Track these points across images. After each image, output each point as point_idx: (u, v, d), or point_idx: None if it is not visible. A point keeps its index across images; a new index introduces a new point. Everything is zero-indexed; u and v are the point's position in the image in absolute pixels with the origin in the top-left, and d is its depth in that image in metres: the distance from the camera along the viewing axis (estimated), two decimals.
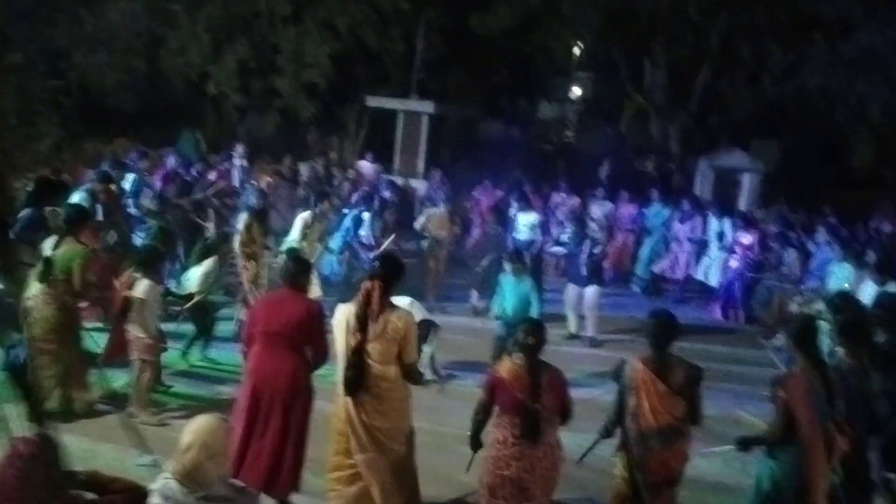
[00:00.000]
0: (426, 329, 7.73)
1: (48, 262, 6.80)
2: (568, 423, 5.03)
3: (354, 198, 11.58)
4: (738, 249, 11.98)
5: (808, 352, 4.98)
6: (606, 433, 5.17)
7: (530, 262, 11.07)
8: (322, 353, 5.49)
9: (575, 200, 13.88)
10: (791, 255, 11.12)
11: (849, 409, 5.01)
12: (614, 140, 29.01)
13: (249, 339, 5.55)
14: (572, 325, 10.50)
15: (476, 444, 5.11)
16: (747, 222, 12.27)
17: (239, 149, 14.05)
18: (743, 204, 16.10)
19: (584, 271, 10.21)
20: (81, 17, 19.27)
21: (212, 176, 12.87)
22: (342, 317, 5.09)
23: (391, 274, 5.10)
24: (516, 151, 24.67)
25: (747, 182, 17.02)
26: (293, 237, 9.92)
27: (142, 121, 20.76)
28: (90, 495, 3.68)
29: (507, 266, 8.58)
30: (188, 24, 19.01)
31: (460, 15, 19.31)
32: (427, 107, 17.55)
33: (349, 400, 5.02)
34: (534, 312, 8.16)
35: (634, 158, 21.53)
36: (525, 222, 11.43)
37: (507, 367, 4.94)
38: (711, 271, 12.73)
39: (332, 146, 21.45)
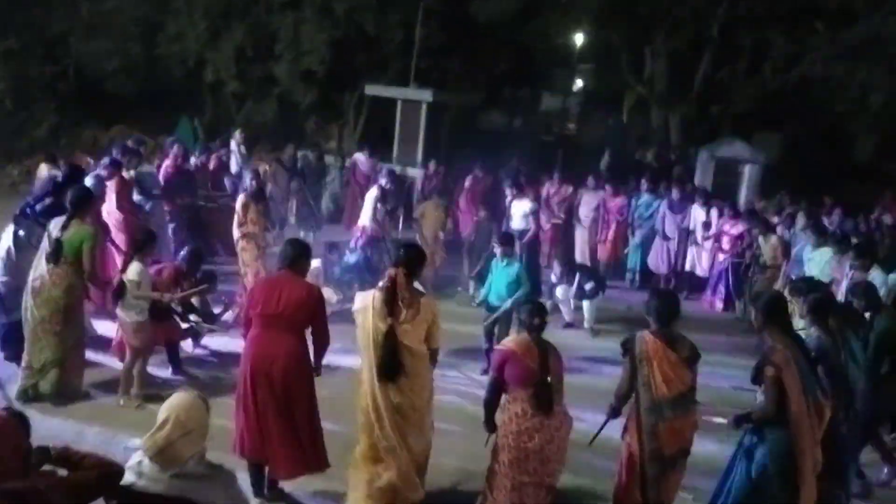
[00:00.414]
0: None
1: (58, 243, 6.78)
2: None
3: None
4: (726, 240, 11.96)
5: (781, 325, 5.05)
6: (615, 413, 5.22)
7: (526, 250, 11.05)
8: (325, 334, 5.49)
9: (567, 189, 13.77)
10: (771, 241, 11.03)
11: (830, 383, 5.18)
12: (616, 131, 28.95)
13: (248, 321, 5.51)
14: (567, 314, 10.42)
15: (492, 425, 5.21)
16: (735, 213, 12.19)
17: (237, 135, 13.94)
18: (744, 195, 15.96)
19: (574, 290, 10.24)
20: (78, 3, 19.22)
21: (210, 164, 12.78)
22: (363, 303, 5.17)
23: (414, 261, 5.29)
24: (517, 142, 24.61)
25: (748, 173, 16.87)
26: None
27: (139, 107, 20.72)
28: (63, 472, 3.60)
29: (497, 249, 8.48)
30: (186, 10, 18.95)
31: (460, 2, 19.20)
32: (426, 95, 17.39)
33: (378, 384, 5.07)
34: (520, 294, 8.09)
35: (636, 149, 21.44)
36: (519, 210, 11.31)
37: (515, 340, 5.14)
38: (700, 261, 12.71)
39: (331, 134, 21.37)
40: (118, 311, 7.04)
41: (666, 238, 12.80)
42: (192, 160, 12.58)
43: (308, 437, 5.39)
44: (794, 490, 4.90)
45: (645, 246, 13.09)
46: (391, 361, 5.02)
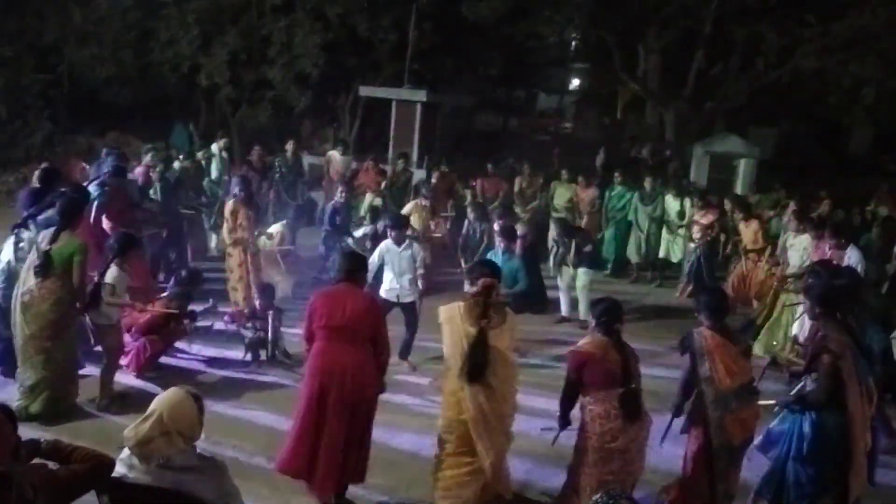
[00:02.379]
0: None
1: (47, 255, 6.52)
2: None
3: (339, 190, 11.42)
4: (696, 229, 12.21)
5: (834, 314, 5.18)
6: (678, 411, 5.29)
7: (527, 246, 11.06)
8: (386, 349, 5.53)
9: (538, 181, 14.19)
10: (752, 226, 11.23)
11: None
12: (611, 128, 29.01)
13: (310, 334, 5.49)
14: (564, 307, 10.43)
15: (564, 423, 5.24)
16: (706, 203, 12.46)
17: (221, 141, 13.77)
18: (739, 190, 15.96)
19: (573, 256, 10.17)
20: (71, 10, 19.21)
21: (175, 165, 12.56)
22: (450, 314, 5.28)
23: (499, 274, 5.59)
24: (513, 142, 24.65)
25: (743, 168, 16.90)
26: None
27: (134, 114, 20.74)
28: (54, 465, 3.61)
29: (498, 243, 8.53)
30: (178, 15, 18.93)
31: (451, 2, 19.21)
32: (420, 95, 17.41)
33: (470, 390, 5.09)
34: (516, 292, 8.14)
35: (631, 146, 21.46)
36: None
37: (593, 342, 5.02)
38: (673, 249, 13.06)
39: (326, 137, 21.38)
40: (90, 313, 6.93)
41: (639, 229, 13.11)
42: (176, 164, 12.40)
43: (357, 451, 5.38)
44: (845, 472, 5.04)
45: (620, 236, 13.34)
46: (481, 361, 5.05)
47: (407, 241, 8.36)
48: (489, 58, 23.06)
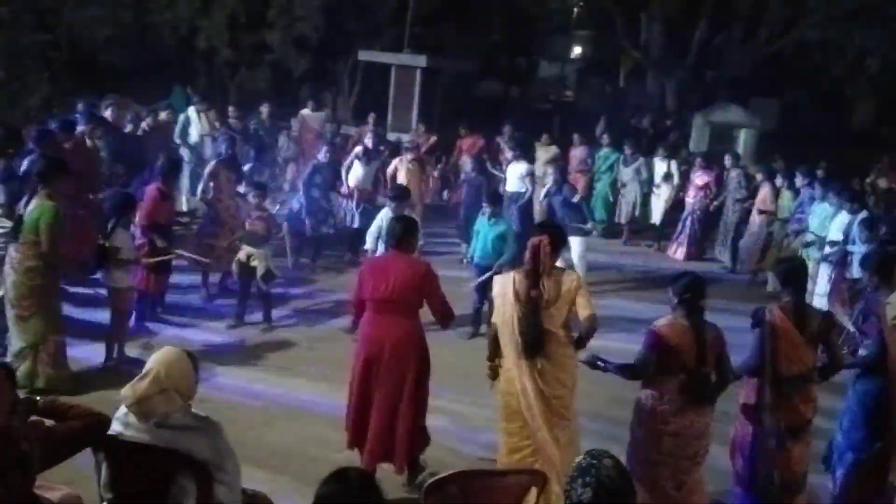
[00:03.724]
0: None
1: (19, 220, 6.26)
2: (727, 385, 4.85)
3: (323, 152, 11.28)
4: (692, 189, 12.39)
5: (890, 281, 5.27)
6: (736, 378, 5.04)
7: (521, 213, 11.03)
8: (444, 308, 5.37)
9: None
10: (766, 190, 11.48)
11: None
12: (612, 97, 28.83)
13: (359, 304, 5.44)
14: None
15: (604, 369, 4.83)
16: (706, 164, 12.67)
17: (200, 104, 13.41)
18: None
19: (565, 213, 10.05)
20: None
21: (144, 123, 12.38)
22: (503, 288, 4.93)
23: (558, 237, 5.05)
24: (514, 109, 24.51)
25: (743, 138, 16.83)
26: None
27: (132, 76, 20.55)
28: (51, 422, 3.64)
29: (485, 208, 8.48)
30: None
31: None
32: (420, 61, 17.26)
33: (526, 371, 4.83)
34: (507, 257, 8.09)
35: (632, 115, 21.35)
36: (515, 172, 11.31)
37: (671, 326, 4.70)
38: (656, 211, 13.33)
39: (324, 101, 21.24)
40: (106, 277, 6.98)
41: (623, 187, 13.44)
42: (143, 124, 12.26)
43: (411, 424, 5.26)
44: (884, 435, 5.14)
45: (606, 198, 13.67)
46: (533, 337, 4.75)
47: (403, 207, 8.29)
48: (491, 24, 22.86)
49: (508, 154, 12.00)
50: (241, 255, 8.22)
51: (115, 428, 3.62)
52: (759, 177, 11.96)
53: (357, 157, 10.97)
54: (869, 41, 16.90)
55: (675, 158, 13.41)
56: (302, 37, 19.07)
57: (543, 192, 10.93)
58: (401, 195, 8.39)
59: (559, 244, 5.01)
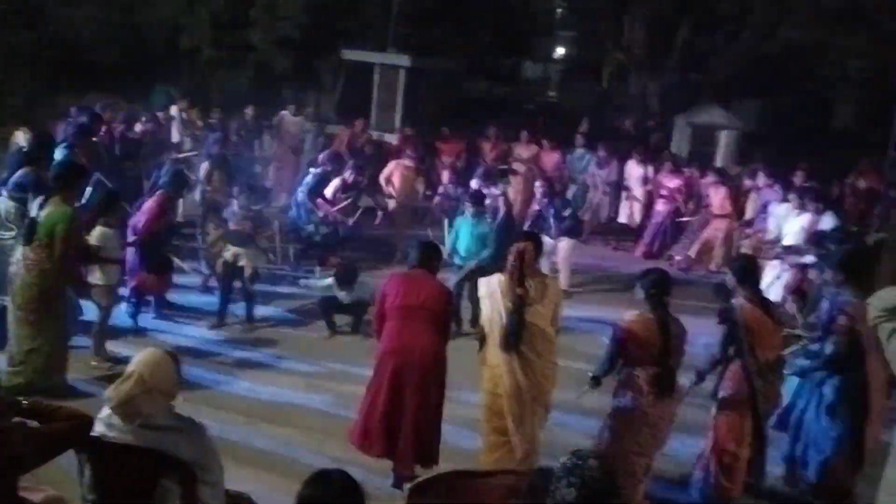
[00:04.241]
0: None
1: (32, 223, 6.26)
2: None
3: (321, 157, 11.24)
4: (664, 192, 12.47)
5: (856, 280, 5.38)
6: (700, 378, 5.37)
7: (505, 215, 11.04)
8: (446, 335, 5.50)
9: (503, 146, 14.14)
10: (721, 192, 11.68)
11: None
12: (596, 98, 28.92)
13: (382, 315, 5.49)
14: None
15: (598, 383, 5.18)
16: (675, 167, 12.74)
17: (182, 102, 13.41)
18: (719, 161, 15.98)
19: (554, 224, 10.12)
20: None
21: (137, 127, 12.23)
22: (489, 288, 5.24)
23: (539, 243, 5.49)
24: (499, 110, 24.53)
25: (724, 139, 16.92)
26: None
27: (117, 75, 20.43)
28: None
29: (467, 208, 8.51)
30: None
31: None
32: (404, 60, 17.27)
33: (517, 367, 5.08)
34: (486, 256, 8.18)
35: (615, 116, 21.43)
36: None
37: (638, 320, 4.96)
38: (634, 214, 13.34)
39: (308, 101, 21.19)
40: (87, 274, 6.96)
41: (595, 189, 13.42)
42: (138, 127, 12.09)
43: (429, 432, 5.38)
44: (861, 424, 5.35)
45: (580, 200, 13.53)
46: (517, 330, 5.05)
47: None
48: (477, 24, 22.87)
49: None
50: (228, 255, 8.19)
51: (99, 429, 3.62)
52: (747, 183, 11.96)
53: (336, 189, 10.87)
54: (852, 44, 17.02)
55: (653, 163, 13.38)
56: (285, 36, 18.99)
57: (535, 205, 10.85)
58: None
59: (540, 250, 5.42)
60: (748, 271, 5.42)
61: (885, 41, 16.07)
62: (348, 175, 10.86)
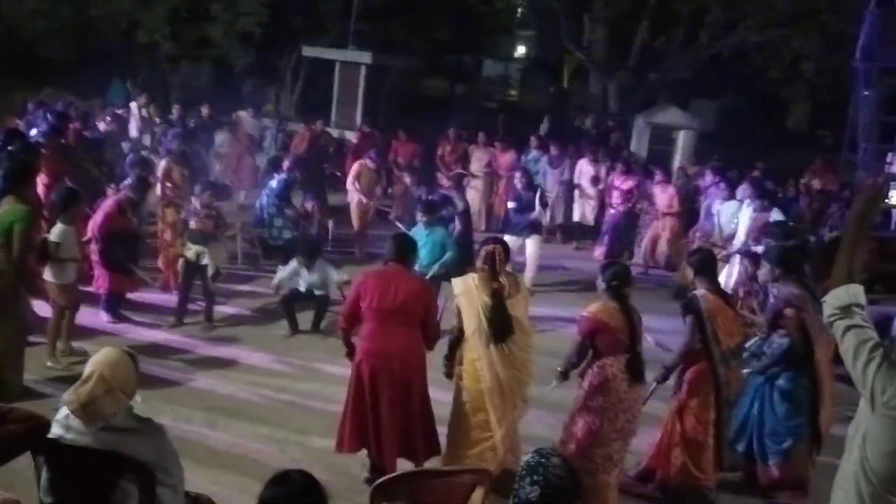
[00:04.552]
0: None
1: None
2: None
3: (287, 163, 11.18)
4: (616, 194, 12.55)
5: (795, 273, 5.58)
6: (666, 375, 5.51)
7: (464, 217, 11.07)
8: (436, 330, 5.46)
9: (461, 147, 14.19)
10: (669, 191, 11.89)
11: None
12: (556, 98, 29.12)
13: (352, 314, 5.39)
14: None
15: (565, 377, 5.28)
16: (627, 168, 12.82)
17: (141, 98, 13.20)
18: (678, 161, 16.19)
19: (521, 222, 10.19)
20: None
21: (101, 125, 12.09)
22: (465, 286, 5.27)
23: (507, 247, 5.45)
24: (459, 108, 24.59)
25: (682, 139, 17.13)
26: None
27: (71, 69, 20.11)
28: None
29: (420, 217, 8.50)
30: None
31: None
32: (365, 57, 17.25)
33: (497, 359, 5.12)
34: (448, 258, 8.24)
35: (575, 115, 21.58)
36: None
37: (604, 310, 5.08)
38: (588, 213, 13.46)
39: (268, 97, 21.06)
40: (45, 272, 6.85)
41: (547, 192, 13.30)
42: (101, 126, 11.91)
43: (422, 427, 5.34)
44: (814, 414, 5.52)
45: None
46: (503, 322, 5.10)
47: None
48: (437, 21, 22.89)
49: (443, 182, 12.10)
50: (190, 253, 8.10)
51: (56, 431, 3.55)
52: (708, 177, 12.10)
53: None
54: (805, 46, 17.37)
55: (605, 163, 13.53)
56: (245, 32, 18.86)
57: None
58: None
59: (509, 254, 5.43)
60: (705, 263, 5.60)
61: (837, 43, 16.40)
62: (309, 204, 10.98)
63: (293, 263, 8.48)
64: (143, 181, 8.39)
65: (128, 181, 8.35)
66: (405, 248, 5.53)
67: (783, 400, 5.62)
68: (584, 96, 24.64)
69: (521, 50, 36.69)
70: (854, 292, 3.13)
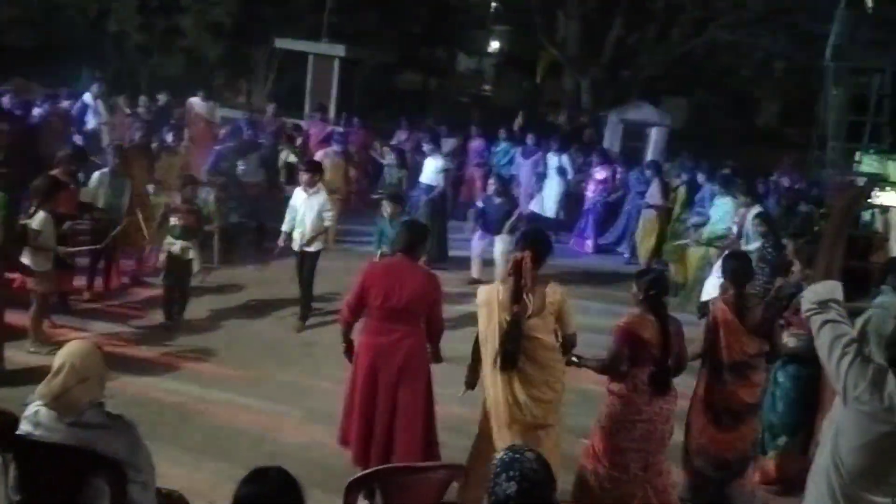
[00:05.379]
0: None
1: None
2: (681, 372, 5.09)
3: (222, 132, 11.04)
4: (591, 184, 12.75)
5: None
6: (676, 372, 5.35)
7: (430, 206, 11.08)
8: (439, 324, 5.33)
9: (417, 136, 14.10)
10: (655, 185, 11.88)
11: None
12: (530, 93, 29.19)
13: (356, 306, 5.25)
14: (474, 270, 10.46)
15: (578, 365, 5.03)
16: (604, 159, 13.02)
17: (94, 87, 12.59)
18: (649, 157, 16.31)
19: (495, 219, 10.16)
20: None
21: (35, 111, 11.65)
22: (487, 297, 4.86)
23: (541, 248, 4.91)
24: (433, 102, 24.59)
25: (654, 136, 17.28)
26: None
27: (39, 59, 19.78)
28: None
29: (384, 208, 8.46)
30: None
31: None
32: (339, 50, 17.16)
33: (499, 384, 4.79)
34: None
35: (549, 111, 21.68)
36: (431, 166, 11.35)
37: (640, 321, 4.87)
38: (548, 204, 13.38)
39: (240, 89, 20.90)
40: (24, 259, 6.79)
41: (519, 184, 13.49)
42: (35, 110, 11.45)
43: (424, 428, 5.22)
44: (813, 413, 5.51)
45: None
46: (514, 351, 4.71)
47: (316, 187, 8.22)
48: (411, 15, 22.84)
49: (425, 147, 12.04)
50: (175, 248, 7.98)
51: (24, 428, 3.50)
52: (684, 177, 12.23)
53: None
54: (775, 45, 17.60)
55: (568, 153, 13.67)
56: (216, 22, 18.67)
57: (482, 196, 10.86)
58: (312, 167, 8.37)
59: (541, 258, 4.90)
60: (734, 272, 5.42)
61: (806, 43, 16.60)
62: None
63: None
64: (74, 152, 8.27)
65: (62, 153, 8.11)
66: (414, 239, 5.30)
67: (781, 396, 5.73)
68: (557, 92, 24.74)
69: (494, 45, 36.70)
70: (832, 288, 3.17)
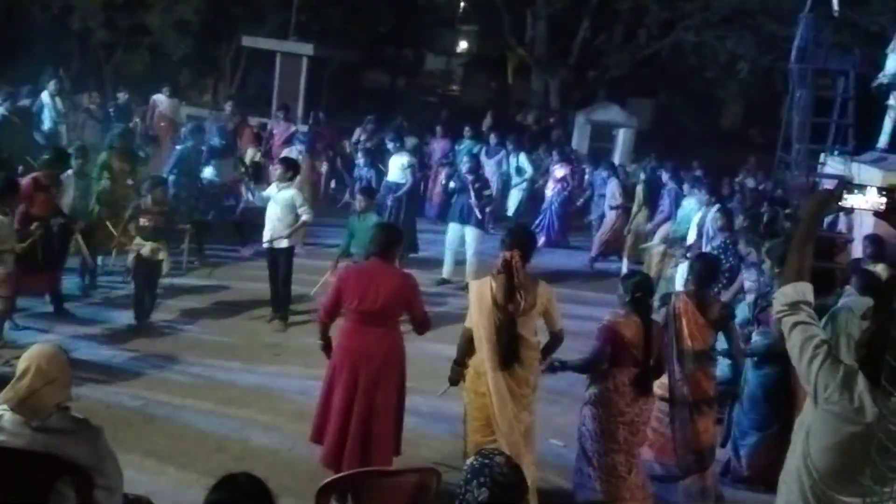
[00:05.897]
0: None
1: None
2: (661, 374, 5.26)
3: (183, 131, 10.87)
4: (551, 181, 12.89)
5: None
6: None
7: (398, 203, 11.06)
8: (425, 318, 5.30)
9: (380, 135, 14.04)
10: (613, 185, 12.01)
11: None
12: (498, 93, 29.26)
13: (332, 308, 5.22)
14: (446, 269, 10.42)
15: (562, 369, 5.14)
16: (563, 157, 13.15)
17: (51, 85, 12.22)
18: (617, 157, 16.44)
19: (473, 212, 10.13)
20: None
21: None
22: (479, 292, 4.90)
23: (528, 244, 5.05)
24: (400, 101, 24.55)
25: (622, 137, 17.42)
26: None
27: (0, 56, 19.45)
28: None
29: (356, 203, 8.45)
30: None
31: None
32: (307, 49, 17.06)
33: (500, 374, 4.84)
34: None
35: (517, 111, 21.74)
36: (397, 163, 11.32)
37: (624, 322, 4.98)
38: (509, 202, 13.66)
39: (205, 88, 20.71)
40: None
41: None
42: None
43: (393, 427, 5.22)
44: (787, 412, 5.44)
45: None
46: (512, 349, 4.82)
47: (287, 183, 8.19)
48: (378, 13, 22.78)
49: (389, 145, 12.01)
50: (145, 250, 7.84)
51: None
52: (642, 176, 12.38)
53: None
54: (740, 46, 17.79)
55: (526, 152, 13.85)
56: (182, 20, 18.46)
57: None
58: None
59: (529, 254, 5.02)
60: (699, 273, 5.60)
61: (770, 45, 16.83)
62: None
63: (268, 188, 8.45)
64: (58, 154, 8.10)
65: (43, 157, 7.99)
66: (390, 241, 5.30)
67: (747, 394, 5.82)
68: (525, 92, 24.83)
69: (463, 45, 36.76)
70: (802, 290, 3.19)
